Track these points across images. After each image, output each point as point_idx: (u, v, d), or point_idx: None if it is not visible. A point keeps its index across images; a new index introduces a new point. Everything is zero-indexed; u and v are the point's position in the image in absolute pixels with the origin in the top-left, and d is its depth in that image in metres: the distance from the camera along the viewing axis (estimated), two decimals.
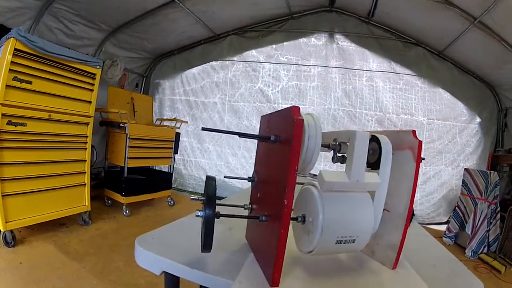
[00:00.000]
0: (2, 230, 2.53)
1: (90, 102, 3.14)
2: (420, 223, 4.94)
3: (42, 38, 2.87)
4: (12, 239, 2.60)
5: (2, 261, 2.36)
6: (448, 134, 5.04)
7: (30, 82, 2.56)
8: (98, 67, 3.11)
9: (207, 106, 5.47)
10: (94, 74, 3.11)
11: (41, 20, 3.39)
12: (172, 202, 4.63)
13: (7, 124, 2.46)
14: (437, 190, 5.09)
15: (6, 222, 2.52)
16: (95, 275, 2.44)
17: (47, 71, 2.70)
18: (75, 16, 3.65)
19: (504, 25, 3.65)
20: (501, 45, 3.86)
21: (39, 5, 3.31)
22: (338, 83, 5.09)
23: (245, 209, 0.94)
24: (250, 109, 5.30)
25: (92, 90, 3.13)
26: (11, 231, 2.61)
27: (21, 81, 2.50)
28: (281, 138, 0.72)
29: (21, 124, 2.56)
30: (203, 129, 0.75)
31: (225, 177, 0.62)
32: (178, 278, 0.92)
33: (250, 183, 1.00)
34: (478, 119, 5.04)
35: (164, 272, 0.87)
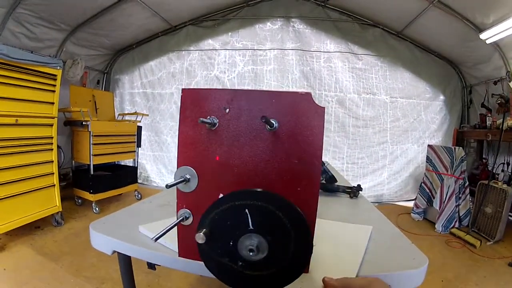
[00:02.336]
0: None
1: (52, 103, 3.25)
2: (389, 202, 5.21)
3: (6, 43, 2.97)
4: None
5: None
6: (413, 112, 5.26)
7: None
8: (58, 68, 3.22)
9: (164, 97, 5.58)
10: (55, 75, 3.22)
11: (5, 26, 3.47)
12: (139, 195, 4.82)
13: None
14: (404, 168, 5.34)
15: None
16: (71, 273, 2.61)
17: (11, 77, 2.80)
18: (36, 18, 3.74)
19: (465, 2, 3.80)
20: (462, 23, 4.02)
21: (3, 12, 3.39)
22: (295, 65, 5.23)
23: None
24: None
25: (54, 91, 3.25)
26: None
27: None
28: (287, 126, 0.67)
29: None
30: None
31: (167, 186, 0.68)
32: (129, 257, 1.11)
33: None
34: (442, 96, 5.27)
35: (115, 251, 1.03)
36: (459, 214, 4.06)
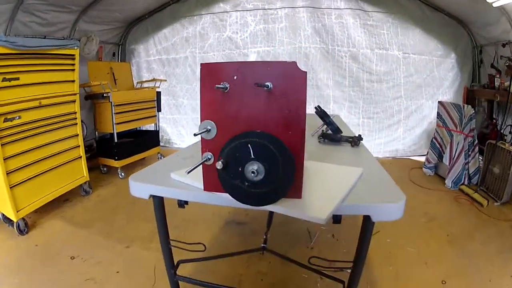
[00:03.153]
0: (14, 220, 2.78)
1: (73, 81, 3.43)
2: (403, 157, 5.43)
3: (18, 34, 3.11)
4: (25, 226, 2.89)
5: (19, 249, 2.67)
6: (425, 68, 5.34)
7: (18, 79, 2.79)
8: (76, 47, 3.37)
9: (179, 61, 5.78)
10: (73, 55, 3.37)
11: (15, 18, 3.60)
12: (162, 157, 5.13)
13: (4, 121, 2.68)
14: (418, 124, 5.50)
15: (17, 211, 2.79)
16: (103, 236, 2.90)
17: (31, 64, 2.92)
18: (45, 5, 3.84)
19: None
20: None
21: (11, 7, 3.51)
22: (306, 22, 5.29)
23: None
24: (220, 58, 5.56)
25: (73, 70, 3.41)
26: (23, 219, 2.88)
27: (10, 79, 2.72)
28: (278, 87, 0.92)
29: (16, 118, 2.81)
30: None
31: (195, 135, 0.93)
32: (163, 201, 1.40)
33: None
34: (453, 54, 5.31)
35: (151, 196, 1.30)
36: (468, 172, 4.16)
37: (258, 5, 5.37)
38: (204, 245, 1.52)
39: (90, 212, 3.39)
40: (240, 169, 0.83)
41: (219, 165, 0.82)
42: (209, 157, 0.98)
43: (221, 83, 0.92)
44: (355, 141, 2.02)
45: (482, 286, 2.31)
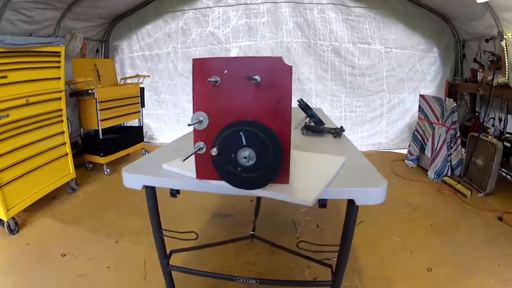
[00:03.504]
0: (5, 220, 2.78)
1: (59, 78, 3.45)
2: (385, 150, 5.55)
3: (5, 32, 3.13)
4: (15, 225, 2.90)
5: (11, 249, 2.68)
6: (408, 62, 5.46)
7: (5, 77, 2.80)
8: (61, 44, 3.38)
9: (161, 57, 5.82)
10: (59, 52, 3.38)
11: (2, 17, 3.57)
12: (146, 153, 5.20)
13: None
14: (401, 117, 5.63)
15: (7, 211, 2.79)
16: (92, 232, 2.93)
17: (19, 62, 2.93)
18: (32, 3, 3.83)
19: None
20: None
21: None
22: (288, 16, 5.36)
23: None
24: (202, 53, 5.62)
25: (59, 67, 3.43)
26: (13, 218, 2.88)
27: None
28: (266, 80, 0.98)
29: (5, 116, 2.81)
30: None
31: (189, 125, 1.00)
32: (154, 189, 1.45)
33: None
34: (435, 49, 5.44)
35: (144, 186, 1.37)
36: (451, 163, 4.30)
37: (241, 0, 5.42)
38: (196, 233, 1.59)
39: (78, 209, 3.42)
40: (233, 155, 0.90)
41: (213, 151, 0.89)
42: (201, 146, 1.05)
43: (212, 77, 0.99)
44: (337, 132, 2.11)
45: (469, 273, 2.38)
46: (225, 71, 1.00)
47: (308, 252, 1.61)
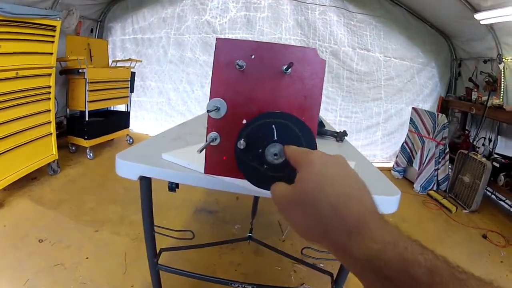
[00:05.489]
0: None
1: (51, 53, 3.33)
2: (381, 162, 5.43)
3: (4, 1, 3.01)
4: None
5: None
6: (407, 73, 5.42)
7: None
8: (58, 19, 3.27)
9: (153, 41, 5.63)
10: (55, 27, 3.27)
11: None
12: (131, 140, 5.10)
13: None
14: (398, 129, 5.57)
15: None
16: (72, 218, 2.80)
17: (13, 32, 2.83)
18: None
19: None
20: (458, 0, 4.06)
21: None
22: (289, 14, 5.25)
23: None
24: (195, 41, 5.47)
25: (53, 42, 3.31)
26: None
27: None
28: (297, 72, 0.88)
29: None
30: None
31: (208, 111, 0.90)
32: (150, 184, 1.30)
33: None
34: (434, 64, 5.43)
35: (141, 176, 1.19)
36: (437, 178, 4.32)
37: None
38: (193, 233, 1.46)
39: (58, 192, 3.27)
40: (260, 150, 0.79)
41: (241, 144, 0.77)
42: (215, 137, 0.93)
43: (237, 61, 0.87)
44: (340, 136, 2.01)
45: None
46: (253, 56, 0.88)
47: (296, 255, 1.50)
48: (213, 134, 0.92)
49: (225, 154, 0.96)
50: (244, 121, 0.90)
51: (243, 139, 0.76)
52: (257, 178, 0.80)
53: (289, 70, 0.86)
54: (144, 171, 1.18)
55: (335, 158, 0.54)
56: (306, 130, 0.78)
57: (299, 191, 0.49)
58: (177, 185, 1.19)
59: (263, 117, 0.77)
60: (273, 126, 0.77)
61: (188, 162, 1.13)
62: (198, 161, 1.02)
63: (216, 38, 0.89)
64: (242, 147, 0.76)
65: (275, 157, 0.75)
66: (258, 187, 0.83)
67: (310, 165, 0.52)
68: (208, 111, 0.86)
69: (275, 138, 0.76)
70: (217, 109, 0.90)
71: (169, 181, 1.18)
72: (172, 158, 1.20)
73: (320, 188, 0.46)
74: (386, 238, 0.40)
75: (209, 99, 0.92)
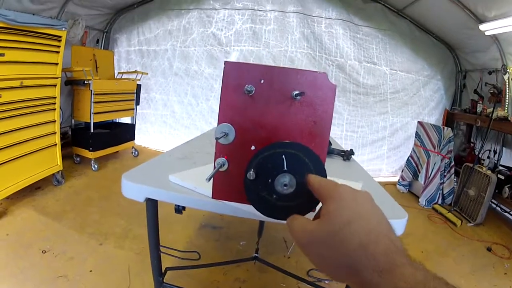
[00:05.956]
0: None
1: (57, 64, 3.32)
2: (386, 176, 5.39)
3: (9, 8, 3.01)
4: None
5: None
6: (412, 86, 5.40)
7: (3, 55, 2.69)
8: (63, 29, 3.27)
9: (158, 54, 5.61)
10: (60, 37, 3.27)
11: None
12: (136, 152, 5.08)
13: None
14: (403, 143, 5.53)
15: None
16: (75, 230, 2.78)
17: (18, 41, 2.83)
18: None
19: None
20: (463, 11, 4.09)
21: None
22: (295, 26, 5.23)
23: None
24: (201, 53, 5.45)
25: (58, 52, 3.31)
26: None
27: None
28: (307, 97, 0.87)
29: None
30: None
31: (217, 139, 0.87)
32: (157, 206, 1.29)
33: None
34: (439, 76, 5.41)
35: (148, 198, 1.17)
36: (442, 192, 4.28)
37: (248, 5, 5.29)
38: (198, 254, 1.44)
39: (62, 203, 3.25)
40: (270, 180, 0.77)
41: (251, 175, 0.76)
42: (223, 163, 0.91)
43: (246, 85, 0.86)
44: (347, 155, 1.99)
45: None
46: (262, 81, 0.87)
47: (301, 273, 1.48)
48: (221, 160, 0.91)
49: (233, 180, 0.95)
50: (253, 147, 0.89)
51: (252, 169, 0.74)
52: (267, 208, 0.79)
53: (299, 97, 0.85)
54: (151, 193, 1.16)
55: (364, 194, 0.52)
56: (316, 160, 0.76)
57: (326, 227, 0.47)
58: (183, 207, 1.18)
59: (273, 147, 0.76)
60: (283, 156, 0.76)
61: (196, 186, 1.12)
62: (205, 185, 1.00)
63: (225, 61, 0.89)
64: (252, 178, 0.75)
65: (285, 187, 0.74)
66: (268, 216, 0.82)
67: (340, 200, 0.50)
68: (216, 138, 0.85)
69: (285, 168, 0.75)
70: (226, 134, 0.89)
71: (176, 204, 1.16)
72: (179, 181, 1.17)
73: (351, 224, 0.44)
74: (417, 277, 0.39)
75: (217, 124, 0.91)
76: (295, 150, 0.75)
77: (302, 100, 0.86)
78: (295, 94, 0.82)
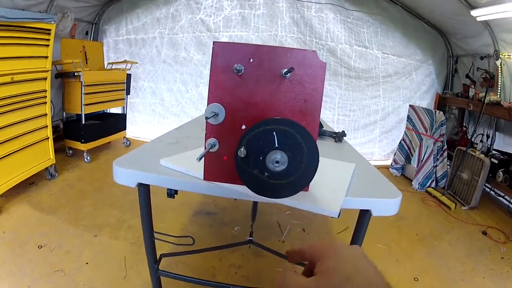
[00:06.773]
0: None
1: (46, 57, 3.29)
2: (379, 160, 5.41)
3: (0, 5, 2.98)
4: None
5: None
6: (404, 70, 5.38)
7: None
8: (52, 22, 3.23)
9: (146, 42, 5.53)
10: (49, 30, 3.24)
11: None
12: (128, 142, 5.10)
13: None
14: (395, 127, 5.52)
15: None
16: (70, 223, 2.77)
17: (7, 36, 2.80)
18: None
19: None
20: None
21: None
22: (285, 11, 5.16)
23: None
24: (189, 40, 5.38)
25: (48, 45, 3.27)
26: None
27: None
28: (296, 75, 0.87)
29: None
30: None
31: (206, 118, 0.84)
32: (149, 190, 1.27)
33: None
34: (431, 61, 5.41)
35: (139, 183, 1.16)
36: (436, 175, 4.29)
37: None
38: (193, 238, 1.43)
39: (56, 197, 3.24)
40: (261, 158, 0.76)
41: (241, 152, 0.75)
42: (214, 143, 0.91)
43: (237, 65, 0.85)
44: (339, 136, 1.99)
45: (454, 285, 2.37)
46: (251, 60, 0.86)
47: None
48: (212, 140, 0.90)
49: (224, 160, 0.94)
50: (244, 127, 0.89)
51: (243, 147, 0.74)
52: (258, 186, 0.78)
53: (289, 74, 0.84)
54: (142, 178, 1.16)
55: (358, 249, 0.51)
56: (308, 136, 0.75)
57: (326, 285, 0.45)
58: (176, 191, 1.17)
59: (263, 124, 0.75)
60: (274, 133, 0.75)
61: (187, 169, 1.11)
62: (197, 167, 1.00)
63: (213, 42, 0.88)
64: (242, 155, 0.74)
65: (277, 164, 0.73)
66: (259, 194, 0.81)
67: (336, 256, 0.49)
68: (206, 118, 0.84)
69: (276, 145, 0.74)
70: (216, 115, 0.88)
71: (168, 188, 1.15)
72: (171, 165, 1.17)
73: (351, 279, 0.43)
74: None
75: (207, 105, 0.90)
76: (286, 126, 0.74)
77: (292, 78, 0.86)
78: (285, 72, 0.82)
